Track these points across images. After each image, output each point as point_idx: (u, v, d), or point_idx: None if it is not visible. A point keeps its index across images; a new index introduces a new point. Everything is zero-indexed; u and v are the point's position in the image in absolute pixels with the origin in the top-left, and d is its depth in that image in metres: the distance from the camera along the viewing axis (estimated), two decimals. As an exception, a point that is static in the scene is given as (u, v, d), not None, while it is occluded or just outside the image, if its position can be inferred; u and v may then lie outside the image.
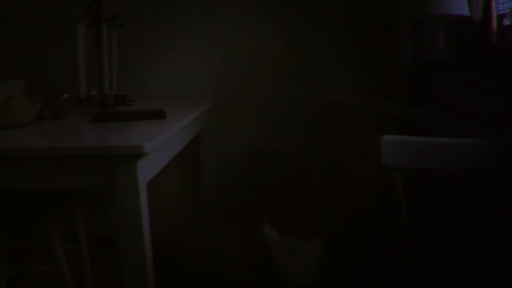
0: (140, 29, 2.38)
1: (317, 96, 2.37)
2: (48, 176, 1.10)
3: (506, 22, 1.38)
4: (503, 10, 1.51)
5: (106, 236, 2.03)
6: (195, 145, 2.39)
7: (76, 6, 2.08)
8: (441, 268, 1.06)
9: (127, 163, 1.05)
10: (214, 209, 2.44)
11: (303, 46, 2.36)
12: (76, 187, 1.11)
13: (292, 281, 1.77)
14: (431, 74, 1.75)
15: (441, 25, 1.65)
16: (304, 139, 2.38)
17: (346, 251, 1.79)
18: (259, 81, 2.39)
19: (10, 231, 1.54)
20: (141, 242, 1.08)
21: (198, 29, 2.40)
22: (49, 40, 2.41)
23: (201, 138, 2.38)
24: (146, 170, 1.11)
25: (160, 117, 1.49)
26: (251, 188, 2.27)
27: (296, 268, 1.77)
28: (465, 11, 1.58)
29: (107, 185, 1.06)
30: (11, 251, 1.60)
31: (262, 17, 2.35)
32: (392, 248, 1.60)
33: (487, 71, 1.34)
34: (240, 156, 2.45)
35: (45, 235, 1.47)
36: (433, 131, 1.50)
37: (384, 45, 2.19)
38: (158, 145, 1.13)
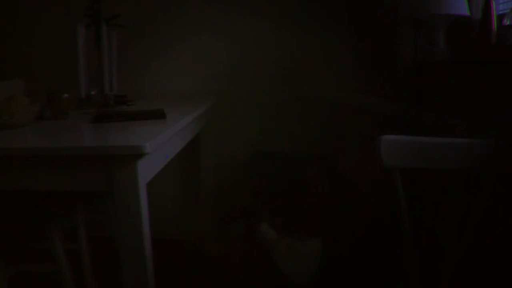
0: (140, 29, 2.38)
1: (318, 96, 2.37)
2: (48, 176, 1.09)
3: (506, 22, 1.38)
4: (503, 10, 1.51)
5: (106, 236, 2.03)
6: (195, 145, 2.39)
7: (76, 6, 2.08)
8: (441, 267, 1.06)
9: (127, 163, 1.05)
10: (214, 209, 2.44)
11: (303, 46, 2.36)
12: (76, 187, 1.11)
13: (292, 281, 1.77)
14: (431, 74, 1.75)
15: (441, 25, 1.65)
16: (304, 139, 2.38)
17: (346, 251, 1.79)
18: (259, 81, 2.40)
19: (10, 231, 1.54)
20: (141, 242, 1.08)
21: (198, 29, 2.40)
22: (49, 40, 2.41)
23: (201, 138, 2.38)
24: (146, 170, 1.11)
25: (160, 117, 1.49)
26: (251, 188, 2.27)
27: (295, 267, 1.77)
28: (465, 11, 1.58)
29: (107, 185, 1.06)
30: (11, 251, 1.60)
31: (262, 17, 2.35)
32: (392, 247, 1.60)
33: (487, 71, 1.34)
34: (240, 156, 2.45)
35: (45, 235, 1.47)
36: (433, 131, 1.50)
37: (384, 45, 2.19)
38: (158, 145, 1.13)
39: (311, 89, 2.38)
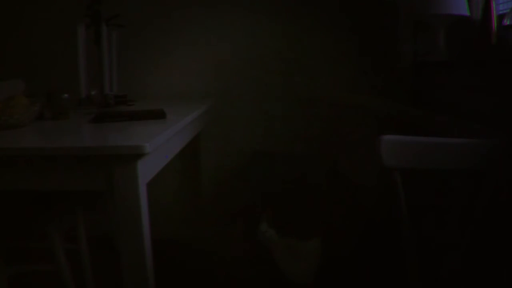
0: (140, 29, 2.38)
1: (317, 96, 2.37)
2: (48, 176, 1.09)
3: (506, 22, 1.38)
4: (503, 10, 1.51)
5: (106, 236, 2.03)
6: (195, 145, 2.39)
7: (76, 6, 2.08)
8: (441, 268, 1.06)
9: (127, 163, 1.05)
10: (214, 209, 2.44)
11: (303, 46, 2.36)
12: (76, 187, 1.11)
13: (292, 281, 1.77)
14: (431, 74, 1.75)
15: (441, 25, 1.65)
16: (304, 139, 2.38)
17: (346, 251, 1.79)
18: (259, 81, 2.39)
19: (10, 231, 1.54)
20: (141, 242, 1.08)
21: (198, 29, 2.40)
22: (49, 40, 2.41)
23: (201, 138, 2.38)
24: (146, 170, 1.11)
25: (160, 117, 1.49)
26: (251, 188, 2.27)
27: (296, 267, 1.77)
28: (465, 11, 1.58)
29: (107, 185, 1.06)
30: (11, 251, 1.60)
31: (262, 17, 2.35)
32: (392, 247, 1.60)
33: (487, 71, 1.34)
34: (240, 156, 2.45)
35: (45, 235, 1.47)
36: (433, 131, 1.50)
37: (384, 45, 2.19)
38: (158, 145, 1.13)
39: (311, 89, 2.38)
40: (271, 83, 2.39)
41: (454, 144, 0.99)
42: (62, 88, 1.66)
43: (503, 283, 1.15)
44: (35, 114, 1.48)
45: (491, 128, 1.24)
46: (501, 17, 1.42)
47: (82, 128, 1.44)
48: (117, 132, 1.30)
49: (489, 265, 1.21)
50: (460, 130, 1.35)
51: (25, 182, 1.12)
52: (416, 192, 1.51)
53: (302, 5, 2.33)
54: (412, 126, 1.67)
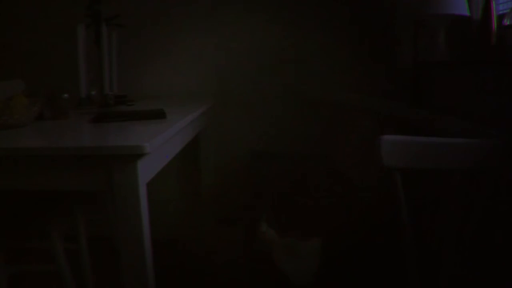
0: (140, 29, 2.38)
1: (317, 96, 2.37)
2: (48, 176, 1.09)
3: (506, 22, 1.38)
4: (503, 10, 1.51)
5: (106, 236, 2.03)
6: (195, 145, 2.39)
7: (76, 6, 2.08)
8: (441, 268, 1.06)
9: (127, 163, 1.05)
10: (214, 209, 2.44)
11: (303, 46, 2.36)
12: (76, 187, 1.11)
13: (292, 281, 1.77)
14: (431, 74, 1.75)
15: (441, 25, 1.65)
16: (304, 139, 2.38)
17: (346, 251, 1.79)
18: (259, 81, 2.39)
19: (10, 231, 1.54)
20: (141, 242, 1.08)
21: (198, 30, 2.40)
22: (49, 40, 2.41)
23: (201, 138, 2.38)
24: (146, 170, 1.11)
25: (160, 117, 1.49)
26: (251, 188, 2.27)
27: (296, 267, 1.77)
28: (465, 11, 1.58)
29: (107, 185, 1.06)
30: (11, 251, 1.60)
31: (262, 17, 2.35)
32: (392, 247, 1.60)
33: (487, 71, 1.34)
34: (240, 156, 2.45)
35: (45, 235, 1.46)
36: (433, 131, 1.50)
37: (384, 45, 2.19)
38: (158, 145, 1.13)
39: (312, 89, 2.38)
40: (271, 83, 2.39)
41: (454, 144, 0.99)
42: (62, 88, 1.66)
43: (503, 283, 1.15)
44: (35, 114, 1.48)
45: (491, 128, 1.24)
46: (501, 17, 1.42)
47: (82, 128, 1.44)
48: (117, 132, 1.30)
49: (489, 265, 1.21)
50: (460, 130, 1.35)
51: (25, 182, 1.12)
52: (417, 192, 1.51)
53: (302, 5, 2.33)
54: (412, 126, 1.67)
